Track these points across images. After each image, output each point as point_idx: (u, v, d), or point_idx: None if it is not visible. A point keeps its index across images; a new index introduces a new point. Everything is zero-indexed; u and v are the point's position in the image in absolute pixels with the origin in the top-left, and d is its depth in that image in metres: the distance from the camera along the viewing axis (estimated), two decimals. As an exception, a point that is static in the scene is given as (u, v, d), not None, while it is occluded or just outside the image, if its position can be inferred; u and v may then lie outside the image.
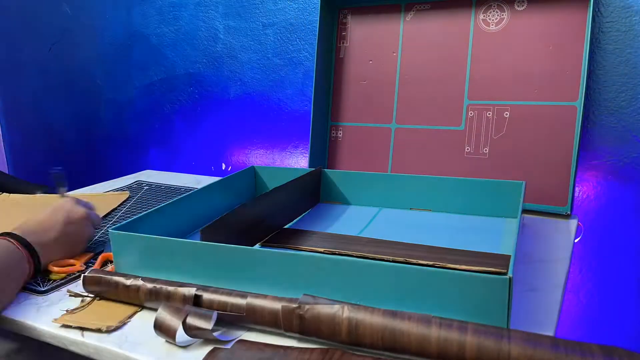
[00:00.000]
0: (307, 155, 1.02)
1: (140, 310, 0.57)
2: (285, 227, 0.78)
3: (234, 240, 0.63)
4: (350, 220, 0.80)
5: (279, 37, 1.14)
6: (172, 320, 0.50)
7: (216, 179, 1.06)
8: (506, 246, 0.67)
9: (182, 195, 0.74)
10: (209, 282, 0.57)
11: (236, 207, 0.66)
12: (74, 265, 0.67)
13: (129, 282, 0.56)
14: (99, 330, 0.52)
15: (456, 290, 0.47)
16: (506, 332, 0.43)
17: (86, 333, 0.52)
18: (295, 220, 0.82)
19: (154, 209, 0.69)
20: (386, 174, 0.85)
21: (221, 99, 1.25)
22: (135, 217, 0.65)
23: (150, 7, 1.30)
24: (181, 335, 0.49)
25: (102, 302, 0.59)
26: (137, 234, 0.60)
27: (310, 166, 0.97)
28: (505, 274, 0.55)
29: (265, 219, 0.73)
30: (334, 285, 0.52)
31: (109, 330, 0.52)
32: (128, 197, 1.01)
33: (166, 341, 0.50)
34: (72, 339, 0.52)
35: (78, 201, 0.72)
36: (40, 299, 0.60)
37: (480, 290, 0.46)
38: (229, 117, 1.25)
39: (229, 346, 0.48)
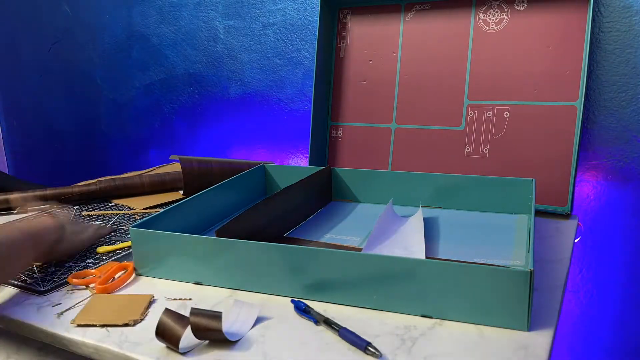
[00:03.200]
0: (307, 155, 1.02)
1: (153, 299, 0.58)
2: (301, 224, 0.79)
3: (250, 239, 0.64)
4: (364, 218, 0.80)
5: (279, 37, 1.14)
6: (175, 327, 0.49)
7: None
8: (520, 242, 0.68)
9: (195, 194, 0.76)
10: (226, 277, 0.59)
11: (250, 207, 0.67)
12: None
13: None
14: (126, 325, 0.52)
15: (478, 284, 0.49)
16: None
17: (87, 333, 0.52)
18: (309, 218, 0.82)
19: (169, 207, 0.71)
20: (396, 172, 0.85)
21: (221, 99, 1.25)
22: (152, 215, 0.67)
23: (150, 7, 1.30)
24: (184, 341, 0.49)
25: (107, 296, 0.59)
26: (156, 231, 0.62)
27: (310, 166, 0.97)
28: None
29: (280, 217, 0.74)
30: (359, 277, 0.53)
31: (135, 324, 0.53)
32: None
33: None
34: (72, 339, 0.52)
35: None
36: (40, 299, 0.60)
37: (500, 283, 0.48)
38: (229, 117, 1.25)
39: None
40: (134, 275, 0.65)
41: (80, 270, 0.67)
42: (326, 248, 0.55)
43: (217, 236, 0.59)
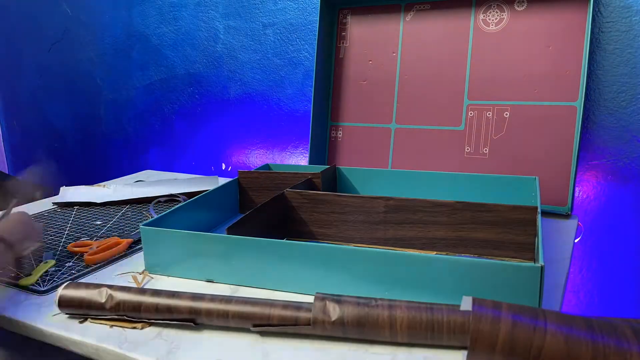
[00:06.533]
0: (307, 155, 1.02)
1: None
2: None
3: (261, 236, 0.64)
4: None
5: (279, 37, 1.14)
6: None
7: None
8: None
9: (203, 193, 0.77)
10: (236, 274, 0.60)
11: (258, 206, 0.68)
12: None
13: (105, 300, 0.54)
14: (134, 328, 0.52)
15: (488, 279, 0.49)
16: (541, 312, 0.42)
17: (87, 333, 0.52)
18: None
19: (178, 205, 0.71)
20: (399, 170, 0.85)
21: (221, 99, 1.25)
22: (162, 213, 0.68)
23: (150, 7, 1.30)
24: None
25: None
26: (167, 229, 0.63)
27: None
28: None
29: (288, 216, 0.75)
30: (371, 273, 0.54)
31: (144, 328, 0.52)
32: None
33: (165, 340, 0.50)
34: (72, 339, 0.52)
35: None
36: (40, 299, 0.60)
37: (512, 279, 0.48)
38: (229, 117, 1.25)
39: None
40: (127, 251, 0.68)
41: (81, 269, 0.67)
42: (336, 244, 0.56)
43: (227, 234, 0.60)
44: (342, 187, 0.90)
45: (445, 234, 0.67)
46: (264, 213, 0.69)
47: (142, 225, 0.64)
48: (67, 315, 0.55)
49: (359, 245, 0.71)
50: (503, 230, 0.65)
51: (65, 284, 0.56)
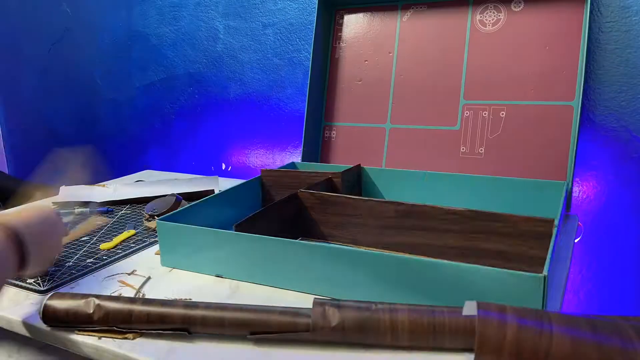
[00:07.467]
0: (307, 155, 1.02)
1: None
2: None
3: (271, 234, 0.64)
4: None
5: (279, 37, 1.14)
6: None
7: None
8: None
9: (224, 190, 0.79)
10: (248, 274, 0.61)
11: (270, 204, 0.70)
12: None
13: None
14: (125, 339, 0.51)
15: (491, 287, 0.49)
16: (546, 315, 0.42)
17: (86, 333, 0.52)
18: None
19: (196, 203, 0.73)
20: (419, 171, 0.84)
21: (221, 99, 1.25)
22: (180, 209, 0.70)
23: (150, 7, 1.30)
24: None
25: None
26: (179, 223, 0.64)
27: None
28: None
29: (301, 216, 0.76)
30: (375, 276, 0.54)
31: (135, 338, 0.51)
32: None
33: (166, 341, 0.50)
34: (72, 339, 0.52)
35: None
36: (40, 298, 0.60)
37: (515, 287, 0.48)
38: (229, 117, 1.25)
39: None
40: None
41: (81, 269, 0.67)
42: (344, 246, 0.56)
43: (235, 230, 0.61)
44: (367, 188, 0.89)
45: (456, 243, 0.65)
46: (274, 212, 0.69)
47: (159, 219, 0.66)
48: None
49: (367, 248, 0.70)
50: (517, 241, 0.61)
51: (50, 294, 0.53)
